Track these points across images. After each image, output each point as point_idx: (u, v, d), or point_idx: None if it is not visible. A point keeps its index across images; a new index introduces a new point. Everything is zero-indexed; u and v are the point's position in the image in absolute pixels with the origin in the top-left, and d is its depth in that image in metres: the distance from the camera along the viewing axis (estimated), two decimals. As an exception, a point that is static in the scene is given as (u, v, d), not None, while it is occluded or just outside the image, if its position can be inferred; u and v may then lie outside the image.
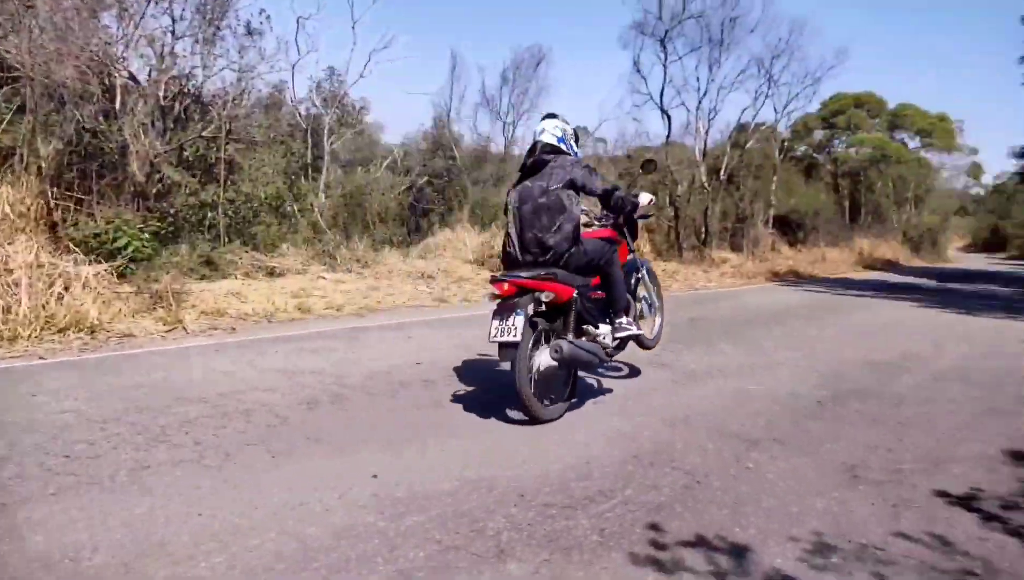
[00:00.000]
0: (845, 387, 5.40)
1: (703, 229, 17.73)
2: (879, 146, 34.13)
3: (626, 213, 4.55)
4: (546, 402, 4.18)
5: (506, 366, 4.07)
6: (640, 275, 5.10)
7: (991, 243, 52.96)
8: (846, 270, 20.75)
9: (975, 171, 43.33)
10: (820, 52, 49.96)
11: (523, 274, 4.11)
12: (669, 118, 17.65)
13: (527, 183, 4.28)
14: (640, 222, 5.04)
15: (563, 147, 4.36)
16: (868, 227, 30.47)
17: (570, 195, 4.16)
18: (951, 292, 14.84)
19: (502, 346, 3.99)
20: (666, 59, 17.43)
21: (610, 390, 5.09)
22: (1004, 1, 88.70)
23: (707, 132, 18.27)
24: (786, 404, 4.86)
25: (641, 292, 5.14)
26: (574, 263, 4.18)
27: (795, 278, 16.70)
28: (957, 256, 41.67)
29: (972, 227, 55.54)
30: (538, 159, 4.28)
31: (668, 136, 17.99)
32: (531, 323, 4.05)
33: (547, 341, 4.18)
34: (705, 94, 17.96)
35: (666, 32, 17.19)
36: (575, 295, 4.19)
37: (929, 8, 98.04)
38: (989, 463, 3.79)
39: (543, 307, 4.20)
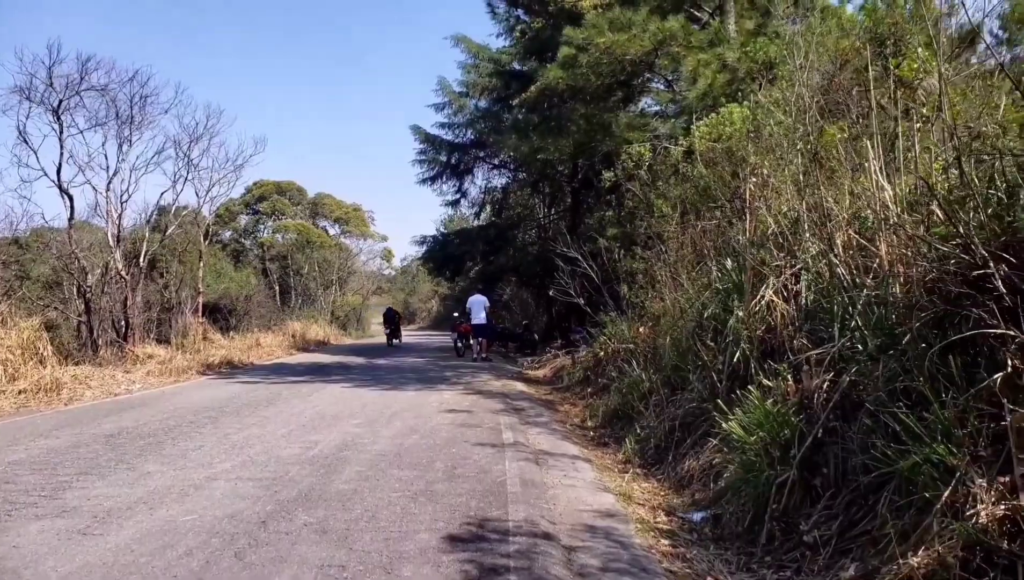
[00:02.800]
0: (289, 494, 4.86)
1: (123, 322, 15.57)
2: (303, 232, 36.43)
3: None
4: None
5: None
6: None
7: (403, 317, 61.83)
8: (281, 354, 20.90)
9: (387, 255, 50.03)
10: (240, 139, 51.53)
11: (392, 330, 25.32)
12: (71, 198, 15.17)
13: (387, 316, 26.43)
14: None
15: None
16: (300, 309, 31.84)
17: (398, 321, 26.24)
18: (378, 368, 16.11)
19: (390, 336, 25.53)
20: (62, 132, 14.99)
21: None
22: (406, 109, 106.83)
23: (120, 215, 16.26)
24: (225, 533, 4.05)
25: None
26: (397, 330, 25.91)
27: (230, 368, 15.89)
28: (378, 330, 46.98)
29: (388, 303, 63.84)
30: (391, 311, 26.89)
31: (71, 218, 15.41)
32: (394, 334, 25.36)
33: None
34: (116, 173, 16.06)
35: (60, 102, 14.83)
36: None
37: (343, 109, 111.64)
38: (434, 556, 3.67)
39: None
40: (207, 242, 21.72)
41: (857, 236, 4.72)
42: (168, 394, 11.22)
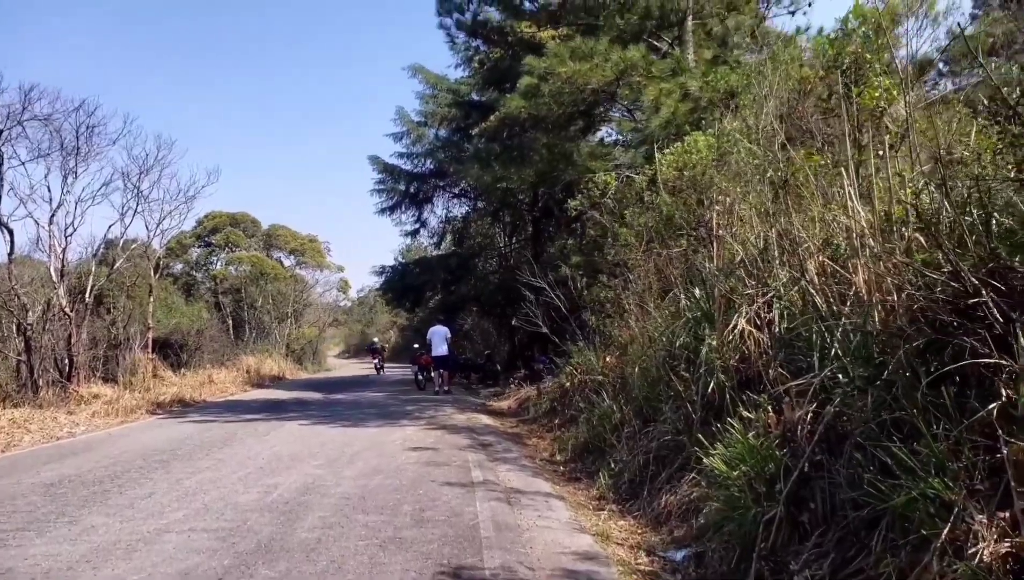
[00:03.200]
0: (248, 545, 4.55)
1: (67, 361, 14.87)
2: (257, 264, 35.62)
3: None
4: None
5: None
6: None
7: (360, 349, 60.95)
8: (235, 391, 20.21)
9: (344, 286, 49.24)
10: (192, 170, 50.50)
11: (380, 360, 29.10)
12: (11, 232, 14.54)
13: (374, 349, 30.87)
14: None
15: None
16: (254, 343, 30.98)
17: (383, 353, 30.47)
18: (337, 403, 15.64)
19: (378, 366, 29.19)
20: (2, 164, 14.41)
21: None
22: (363, 140, 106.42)
23: (65, 249, 15.61)
24: (177, 593, 3.73)
25: None
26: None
27: (182, 407, 15.22)
28: (335, 363, 46.11)
29: (344, 335, 62.82)
30: (375, 344, 31.64)
31: (11, 253, 14.74)
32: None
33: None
34: (60, 206, 15.45)
35: (1, 132, 14.27)
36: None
37: (297, 137, 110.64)
38: (410, 612, 3.42)
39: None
40: (157, 276, 21.01)
41: (831, 263, 4.67)
42: (115, 436, 10.67)
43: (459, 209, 24.57)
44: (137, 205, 17.84)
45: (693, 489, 5.12)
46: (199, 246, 37.14)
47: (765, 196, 5.77)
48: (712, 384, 5.46)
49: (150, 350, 18.84)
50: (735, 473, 4.05)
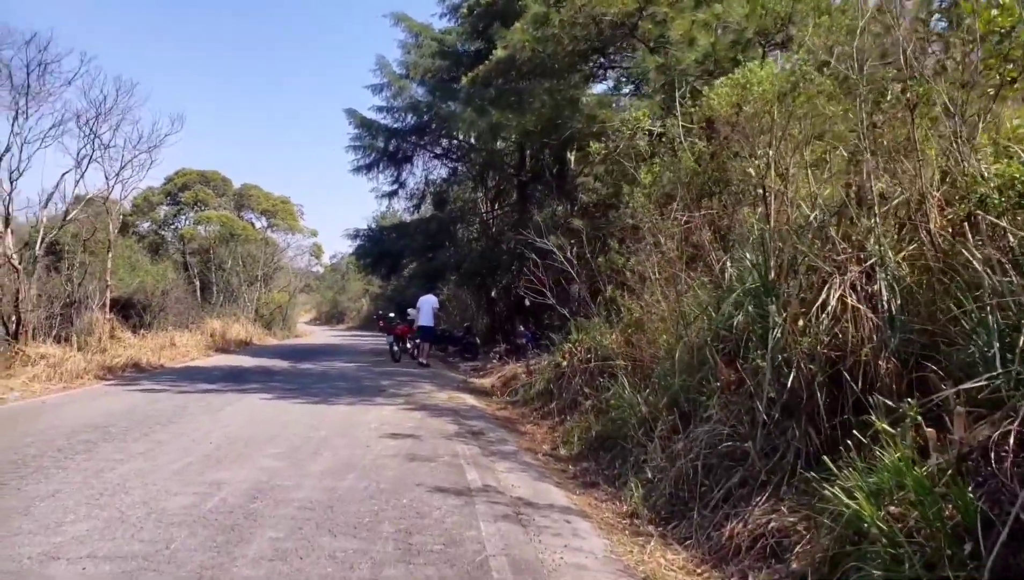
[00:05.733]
0: (161, 595, 3.18)
1: (14, 318, 13.24)
2: (227, 224, 33.73)
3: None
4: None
5: None
6: None
7: (331, 316, 59.20)
8: (197, 356, 18.72)
9: (316, 251, 47.13)
10: (156, 118, 47.82)
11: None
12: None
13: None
14: None
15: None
16: (221, 306, 29.30)
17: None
18: (304, 374, 14.18)
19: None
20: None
21: None
22: (340, 91, 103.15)
23: (11, 194, 13.86)
24: None
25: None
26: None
27: (136, 372, 13.75)
28: (305, 329, 44.43)
29: (316, 302, 60.90)
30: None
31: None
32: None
33: None
34: (7, 150, 13.67)
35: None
36: None
37: (272, 91, 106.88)
38: None
39: None
40: (119, 232, 19.28)
41: (987, 216, 3.38)
42: (49, 406, 9.18)
43: (439, 171, 22.92)
44: (94, 152, 16.03)
45: (770, 516, 3.86)
46: (167, 204, 35.09)
47: (861, 133, 4.43)
48: (792, 376, 4.17)
49: (107, 309, 17.15)
50: (880, 513, 2.75)
